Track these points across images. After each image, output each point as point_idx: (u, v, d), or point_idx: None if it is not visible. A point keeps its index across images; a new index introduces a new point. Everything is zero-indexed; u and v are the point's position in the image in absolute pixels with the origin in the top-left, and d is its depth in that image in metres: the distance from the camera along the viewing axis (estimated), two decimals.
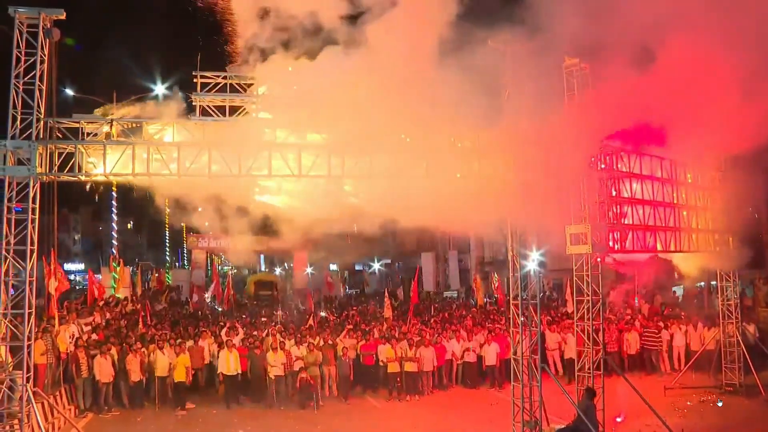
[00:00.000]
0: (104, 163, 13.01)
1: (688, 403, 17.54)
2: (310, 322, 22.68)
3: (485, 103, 12.81)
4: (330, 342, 19.48)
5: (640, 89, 12.81)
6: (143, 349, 17.79)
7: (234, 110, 13.92)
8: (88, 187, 13.97)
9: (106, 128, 13.27)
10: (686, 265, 20.05)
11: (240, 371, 18.17)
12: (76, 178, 13.30)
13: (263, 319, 26.29)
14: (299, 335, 19.53)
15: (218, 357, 18.37)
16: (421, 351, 19.05)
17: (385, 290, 29.37)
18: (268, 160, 13.37)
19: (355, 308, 30.37)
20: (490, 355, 19.88)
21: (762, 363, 19.21)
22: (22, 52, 12.33)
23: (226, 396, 18.17)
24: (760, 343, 19.81)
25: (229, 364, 18.06)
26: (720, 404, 16.86)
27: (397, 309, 26.69)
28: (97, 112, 13.60)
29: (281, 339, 19.07)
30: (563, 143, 13.26)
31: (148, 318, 22.18)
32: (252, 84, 14.09)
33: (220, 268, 69.02)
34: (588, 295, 14.29)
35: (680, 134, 14.81)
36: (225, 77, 13.77)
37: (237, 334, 20.06)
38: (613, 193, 14.99)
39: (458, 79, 12.73)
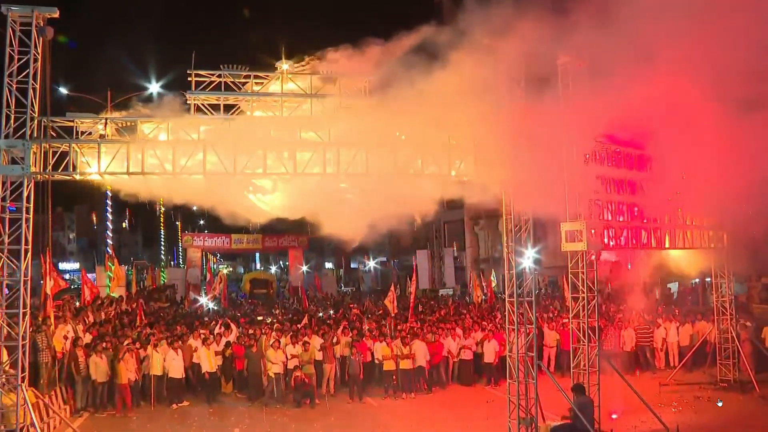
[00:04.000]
0: (99, 162, 12.97)
1: (679, 401, 17.59)
2: (305, 320, 22.69)
3: (481, 100, 12.80)
4: (333, 340, 19.54)
5: (635, 90, 12.85)
6: (140, 349, 17.81)
7: (228, 108, 13.91)
8: None
9: (100, 127, 13.25)
10: (681, 262, 20.13)
11: (213, 370, 18.44)
12: (70, 177, 13.27)
13: (259, 318, 26.31)
14: (292, 334, 19.55)
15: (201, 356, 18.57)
16: (414, 346, 19.11)
17: (392, 284, 29.42)
18: (263, 158, 13.36)
19: (353, 305, 30.39)
20: (489, 352, 19.92)
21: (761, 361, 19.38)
22: (15, 51, 12.28)
23: (206, 394, 18.35)
24: (758, 343, 19.90)
25: (210, 361, 18.34)
26: (720, 404, 16.88)
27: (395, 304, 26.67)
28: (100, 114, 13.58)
29: (276, 337, 19.07)
30: (558, 140, 13.31)
31: (143, 317, 22.14)
32: (246, 82, 14.09)
33: (215, 266, 69.00)
34: (583, 292, 14.33)
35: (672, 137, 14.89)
36: (219, 75, 13.74)
37: (230, 332, 20.12)
38: (608, 190, 15.04)
39: (453, 75, 12.75)
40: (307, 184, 14.58)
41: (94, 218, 73.96)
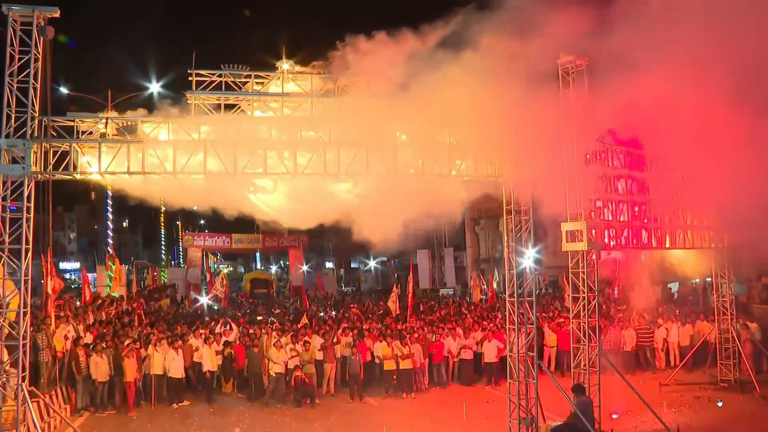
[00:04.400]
0: (99, 162, 12.96)
1: (679, 401, 17.59)
2: (304, 320, 22.71)
3: (480, 100, 12.80)
4: (334, 339, 19.55)
5: (637, 89, 12.85)
6: (140, 349, 17.81)
7: (229, 108, 13.90)
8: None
9: (101, 126, 13.25)
10: (682, 262, 20.13)
11: (214, 369, 18.64)
12: (71, 177, 13.28)
13: (259, 317, 26.32)
14: (292, 334, 19.57)
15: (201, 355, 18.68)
16: (412, 347, 19.12)
17: (394, 284, 29.42)
18: (263, 158, 13.36)
19: (353, 305, 30.38)
20: (491, 352, 19.90)
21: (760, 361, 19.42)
22: (16, 50, 12.28)
23: (207, 393, 18.44)
24: (759, 344, 19.92)
25: (212, 360, 18.53)
26: (720, 404, 16.88)
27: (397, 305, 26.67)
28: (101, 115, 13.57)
29: (277, 337, 19.09)
30: (559, 140, 13.32)
31: (144, 317, 22.17)
32: (247, 82, 14.09)
33: (215, 266, 68.98)
34: (584, 292, 14.32)
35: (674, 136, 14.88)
36: (220, 75, 13.74)
37: (231, 332, 20.15)
38: (609, 190, 15.04)
39: (453, 75, 12.76)
40: (327, 190, 14.67)
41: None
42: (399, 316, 23.46)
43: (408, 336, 19.50)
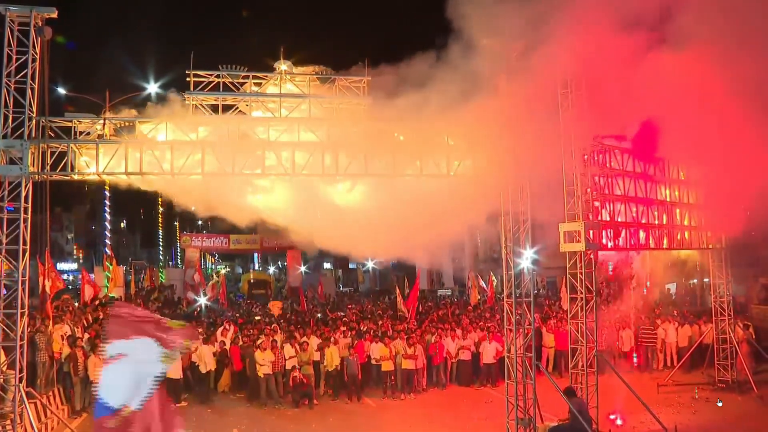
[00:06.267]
0: (97, 162, 12.96)
1: (677, 401, 17.60)
2: (294, 319, 22.71)
3: (478, 101, 12.81)
4: (331, 340, 19.51)
5: (634, 91, 12.88)
6: None
7: (227, 108, 13.90)
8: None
9: (98, 127, 13.23)
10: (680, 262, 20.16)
11: (213, 368, 18.71)
12: (68, 178, 13.27)
13: (257, 318, 26.30)
14: (289, 335, 19.56)
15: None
16: (416, 348, 19.10)
17: (395, 286, 29.38)
18: (261, 159, 13.35)
19: (350, 306, 30.37)
20: (489, 353, 19.89)
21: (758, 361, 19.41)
22: (14, 51, 12.29)
23: (205, 393, 18.44)
24: (755, 342, 19.95)
25: (212, 360, 18.58)
26: (720, 404, 16.91)
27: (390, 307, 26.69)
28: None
29: (273, 338, 19.07)
30: (556, 141, 13.32)
31: None
32: (245, 82, 14.08)
33: (212, 267, 68.92)
34: (582, 293, 14.32)
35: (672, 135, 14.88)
36: (218, 76, 13.73)
37: (227, 332, 20.16)
38: (606, 191, 15.05)
39: (452, 76, 12.77)
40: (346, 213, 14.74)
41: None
42: (401, 317, 23.45)
43: (408, 336, 19.49)
